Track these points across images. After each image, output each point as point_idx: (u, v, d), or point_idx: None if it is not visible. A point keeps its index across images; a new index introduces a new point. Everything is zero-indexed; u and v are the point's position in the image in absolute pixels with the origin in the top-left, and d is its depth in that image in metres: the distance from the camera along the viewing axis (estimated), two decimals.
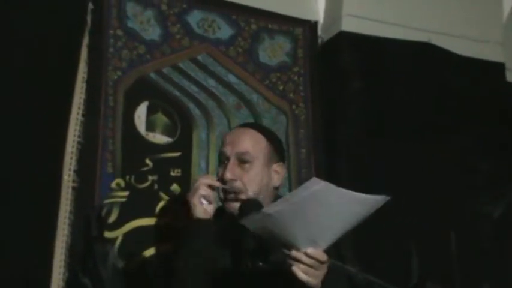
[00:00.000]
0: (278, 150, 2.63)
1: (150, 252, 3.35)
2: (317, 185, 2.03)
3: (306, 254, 2.11)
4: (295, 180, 3.80)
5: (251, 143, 2.54)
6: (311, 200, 2.04)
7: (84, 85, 3.44)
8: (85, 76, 3.45)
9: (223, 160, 2.57)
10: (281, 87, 3.98)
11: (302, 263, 2.12)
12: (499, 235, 4.12)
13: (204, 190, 2.46)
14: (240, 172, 2.52)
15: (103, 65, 3.51)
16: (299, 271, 2.12)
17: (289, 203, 2.06)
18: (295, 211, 2.05)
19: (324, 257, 2.14)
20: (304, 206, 2.05)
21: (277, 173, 2.61)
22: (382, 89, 4.05)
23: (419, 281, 3.81)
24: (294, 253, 2.12)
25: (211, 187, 2.48)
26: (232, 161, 2.52)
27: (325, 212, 2.08)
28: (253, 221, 2.10)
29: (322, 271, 2.16)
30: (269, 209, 2.09)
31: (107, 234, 3.30)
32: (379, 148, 3.92)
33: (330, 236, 2.14)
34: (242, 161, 2.51)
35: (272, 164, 2.58)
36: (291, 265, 2.14)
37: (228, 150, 2.54)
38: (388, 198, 2.13)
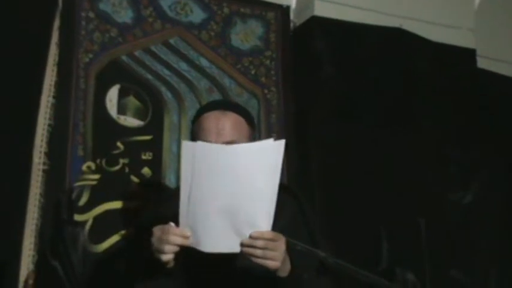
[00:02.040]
0: (254, 129, 2.56)
1: (119, 235, 3.35)
2: (194, 150, 2.02)
3: (251, 237, 2.04)
4: None
5: (235, 129, 2.43)
6: (207, 174, 2.01)
7: (55, 68, 3.43)
8: (56, 58, 3.44)
9: None
10: (253, 72, 3.98)
11: (254, 247, 2.05)
12: (468, 222, 4.16)
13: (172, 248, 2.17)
14: None
15: (74, 48, 3.49)
16: (256, 259, 2.06)
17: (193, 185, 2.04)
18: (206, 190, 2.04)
19: (270, 233, 2.06)
20: (210, 184, 2.03)
21: None
22: (354, 74, 4.06)
23: (389, 266, 3.84)
24: (240, 243, 2.06)
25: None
26: None
27: (234, 180, 2.03)
28: None
29: (279, 251, 2.09)
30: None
31: (78, 217, 3.29)
32: (350, 133, 3.93)
33: (262, 211, 2.06)
34: None
35: None
36: (247, 258, 2.08)
37: (212, 139, 2.38)
38: (282, 140, 2.06)
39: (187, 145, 2.07)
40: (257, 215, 2.06)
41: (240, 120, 2.47)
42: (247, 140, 2.45)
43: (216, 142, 2.34)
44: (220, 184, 2.04)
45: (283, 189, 2.17)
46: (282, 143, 2.05)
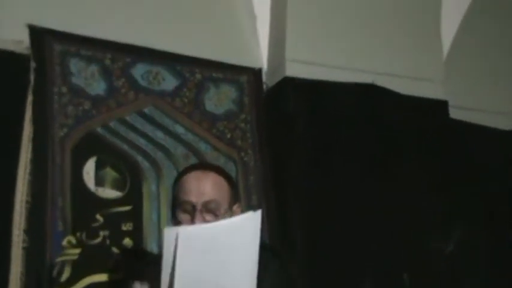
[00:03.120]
0: (235, 191, 2.60)
1: None
2: (176, 235, 2.01)
3: None
4: None
5: (216, 189, 2.46)
6: (190, 257, 2.02)
7: (30, 144, 3.41)
8: (31, 135, 3.43)
9: (187, 208, 2.45)
10: (229, 135, 3.99)
11: None
12: (452, 271, 4.15)
13: None
14: (209, 220, 2.42)
15: (48, 123, 3.49)
16: None
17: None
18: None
19: None
20: (193, 268, 2.03)
21: (238, 214, 2.52)
22: (328, 131, 4.08)
23: None
24: None
25: None
26: (200, 209, 2.42)
27: (216, 259, 2.05)
28: None
29: None
30: None
31: None
32: (329, 189, 3.95)
33: (246, 280, 2.09)
34: (209, 209, 2.43)
35: (233, 205, 2.52)
36: None
37: (193, 198, 2.42)
38: (258, 211, 2.09)
39: (168, 231, 2.07)
40: None
41: (220, 179, 2.50)
42: (227, 199, 2.47)
43: (197, 201, 2.40)
44: (204, 265, 2.04)
45: (263, 247, 2.18)
46: (258, 214, 2.09)
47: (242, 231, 2.07)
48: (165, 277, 2.05)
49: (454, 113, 4.54)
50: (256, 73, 4.22)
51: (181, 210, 2.47)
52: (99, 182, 3.55)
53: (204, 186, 2.45)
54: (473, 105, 4.71)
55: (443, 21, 4.63)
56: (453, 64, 4.66)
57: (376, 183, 4.05)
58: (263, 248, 2.13)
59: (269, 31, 4.27)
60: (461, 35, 4.71)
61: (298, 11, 4.16)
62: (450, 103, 4.51)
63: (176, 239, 2.02)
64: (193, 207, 2.43)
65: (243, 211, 3.13)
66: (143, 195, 3.65)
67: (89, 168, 3.55)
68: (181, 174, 2.57)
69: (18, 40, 3.53)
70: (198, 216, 2.41)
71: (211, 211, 2.43)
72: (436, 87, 4.49)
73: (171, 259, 2.03)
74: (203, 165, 2.71)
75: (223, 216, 2.40)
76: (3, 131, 3.36)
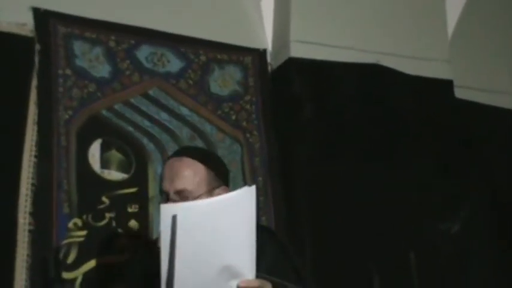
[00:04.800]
0: (219, 174, 2.51)
1: None
2: (172, 212, 2.01)
3: (239, 287, 2.07)
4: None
5: (189, 176, 2.42)
6: (189, 234, 2.01)
7: (35, 127, 3.42)
8: (36, 118, 3.43)
9: (163, 197, 2.46)
10: (234, 117, 3.99)
11: None
12: (457, 251, 4.16)
13: None
14: None
15: (53, 106, 3.49)
16: None
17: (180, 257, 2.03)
18: (191, 257, 2.03)
19: (256, 281, 2.10)
20: (191, 245, 2.02)
21: None
22: (334, 112, 4.08)
23: None
24: None
25: None
26: (172, 197, 2.41)
27: (214, 235, 2.05)
28: None
29: None
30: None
31: (67, 275, 3.28)
32: (334, 171, 3.94)
33: (244, 259, 2.09)
34: (182, 197, 2.40)
35: (215, 190, 2.46)
36: None
37: (166, 187, 2.42)
38: (253, 185, 2.08)
39: (165, 208, 2.06)
40: (240, 265, 2.08)
41: (195, 165, 2.45)
42: (205, 184, 2.44)
43: (169, 190, 2.40)
44: (202, 241, 2.04)
45: (259, 229, 2.17)
46: (253, 188, 2.07)
47: (238, 206, 2.07)
48: (164, 255, 2.05)
49: (459, 93, 4.53)
50: (261, 54, 4.21)
51: (163, 197, 2.47)
52: (104, 164, 3.56)
53: (177, 172, 2.43)
54: (478, 84, 4.70)
55: (448, 1, 4.61)
56: (458, 43, 4.65)
57: (382, 164, 4.04)
58: (259, 229, 2.12)
59: (273, 12, 4.26)
60: (466, 14, 4.69)
61: None
62: (455, 83, 4.50)
63: (173, 216, 2.02)
64: (167, 194, 2.43)
65: None
66: (148, 177, 3.65)
67: (94, 151, 3.56)
68: (166, 160, 2.58)
69: (22, 23, 3.53)
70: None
71: (185, 199, 2.39)
72: (441, 67, 4.48)
73: (169, 236, 2.02)
74: (180, 152, 2.60)
75: None
76: (9, 113, 3.37)
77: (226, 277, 2.07)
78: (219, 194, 2.42)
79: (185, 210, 2.05)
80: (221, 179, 2.51)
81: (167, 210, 2.04)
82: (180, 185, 2.40)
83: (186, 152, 2.59)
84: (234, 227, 2.06)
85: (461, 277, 4.10)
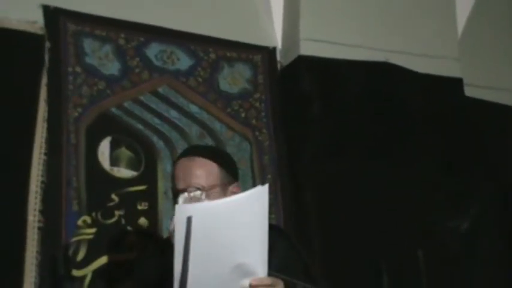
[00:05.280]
0: (230, 171, 2.51)
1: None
2: (189, 216, 2.01)
3: (251, 286, 2.08)
4: None
5: (203, 175, 2.41)
6: (204, 234, 2.01)
7: (45, 124, 3.43)
8: (46, 115, 3.44)
9: (176, 196, 2.44)
10: (243, 115, 3.99)
11: None
12: (466, 249, 4.15)
13: None
14: None
15: (63, 103, 3.50)
16: None
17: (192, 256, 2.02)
18: (205, 258, 2.03)
19: (268, 279, 2.11)
20: (206, 244, 2.02)
21: (235, 194, 2.44)
22: (343, 110, 4.08)
23: None
24: None
25: None
26: (185, 197, 2.38)
27: (227, 235, 2.05)
28: None
29: None
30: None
31: (76, 273, 3.28)
32: (343, 169, 3.94)
33: (256, 257, 2.10)
34: (195, 196, 2.38)
35: (228, 187, 2.46)
36: None
37: (180, 185, 2.41)
38: (266, 185, 2.08)
39: (180, 208, 2.07)
40: (253, 263, 2.08)
41: (208, 164, 2.45)
42: (218, 182, 2.43)
43: (183, 190, 2.38)
44: (215, 241, 2.05)
45: (269, 227, 2.16)
46: (265, 188, 2.08)
47: (251, 205, 2.07)
48: (178, 255, 2.05)
49: (468, 91, 4.52)
50: (271, 52, 4.21)
51: (174, 197, 2.46)
52: (114, 161, 3.57)
53: (190, 175, 2.41)
54: (487, 82, 4.68)
55: None
56: (468, 42, 4.64)
57: (391, 162, 4.04)
58: (269, 227, 2.12)
59: (283, 10, 4.26)
60: (476, 12, 4.69)
61: None
62: (465, 81, 4.49)
63: (188, 218, 2.02)
64: (179, 195, 2.41)
65: None
66: (158, 175, 3.66)
67: (104, 148, 3.56)
68: (176, 158, 2.57)
69: (33, 20, 3.54)
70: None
71: (197, 199, 2.37)
72: (451, 65, 4.47)
73: (183, 237, 2.03)
74: (191, 151, 2.59)
75: None
76: (19, 111, 3.38)
77: (239, 275, 2.08)
78: (232, 191, 2.45)
79: (200, 211, 2.05)
80: (232, 175, 2.52)
81: (182, 211, 2.04)
82: (195, 184, 2.39)
83: (196, 151, 2.57)
84: (247, 226, 2.06)
85: (469, 275, 4.10)
